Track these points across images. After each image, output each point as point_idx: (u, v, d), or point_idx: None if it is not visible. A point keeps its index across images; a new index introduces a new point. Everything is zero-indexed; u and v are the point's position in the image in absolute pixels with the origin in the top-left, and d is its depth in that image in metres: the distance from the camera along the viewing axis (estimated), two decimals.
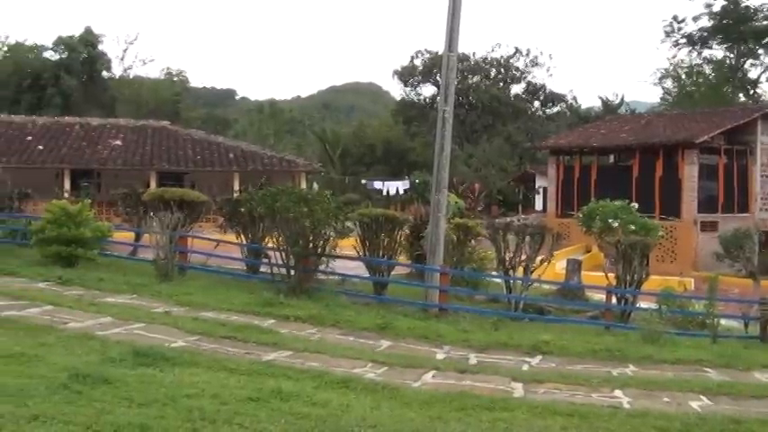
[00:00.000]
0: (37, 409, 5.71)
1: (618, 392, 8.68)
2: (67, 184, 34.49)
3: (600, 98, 70.51)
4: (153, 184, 32.40)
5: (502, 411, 7.20)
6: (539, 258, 16.57)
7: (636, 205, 29.65)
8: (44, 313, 10.75)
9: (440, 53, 56.27)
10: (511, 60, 70.76)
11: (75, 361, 7.66)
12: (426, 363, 9.74)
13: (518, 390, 8.57)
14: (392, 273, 16.66)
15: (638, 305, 15.91)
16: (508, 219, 32.70)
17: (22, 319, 10.16)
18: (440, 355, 10.60)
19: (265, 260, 16.27)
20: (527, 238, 16.42)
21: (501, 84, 70.05)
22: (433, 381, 8.74)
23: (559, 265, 21.14)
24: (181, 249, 16.29)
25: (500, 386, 8.65)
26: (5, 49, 62.80)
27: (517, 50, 70.82)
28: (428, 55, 68.88)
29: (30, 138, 37.41)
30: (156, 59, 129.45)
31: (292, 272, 15.02)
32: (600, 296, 16.92)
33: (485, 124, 64.60)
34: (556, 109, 72.51)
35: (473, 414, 7.03)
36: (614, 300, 15.84)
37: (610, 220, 27.53)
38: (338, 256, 15.88)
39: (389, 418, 6.55)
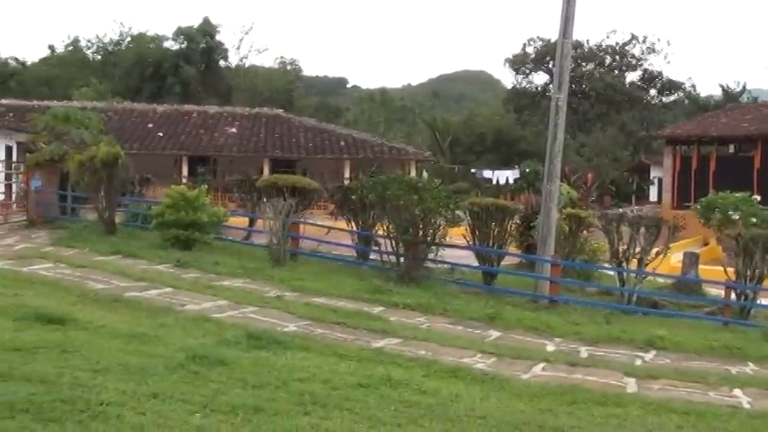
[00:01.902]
0: (156, 387, 5.91)
1: (737, 392, 8.36)
2: (185, 170, 35.61)
3: (720, 86, 67.93)
4: (266, 171, 33.05)
5: (614, 407, 7.04)
6: (654, 251, 16.12)
7: (758, 197, 28.45)
8: (163, 295, 11.17)
9: (553, 40, 55.00)
10: (626, 47, 69.07)
11: (192, 342, 7.92)
12: (536, 355, 9.61)
13: (631, 385, 8.36)
14: (502, 263, 16.53)
15: (758, 302, 15.28)
16: (621, 210, 31.93)
17: (144, 300, 10.58)
18: (550, 348, 10.45)
19: (375, 247, 16.40)
20: (642, 230, 15.98)
21: (616, 71, 68.46)
22: (543, 373, 8.63)
23: (675, 258, 20.49)
24: (293, 235, 16.60)
25: (612, 381, 8.46)
26: (129, 39, 65.15)
27: (633, 37, 69.12)
28: (541, 42, 67.95)
29: (151, 125, 38.80)
30: (271, 49, 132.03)
31: (402, 259, 15.10)
32: (718, 291, 16.31)
33: (598, 113, 63.27)
34: (673, 97, 70.34)
35: (584, 408, 6.91)
36: (733, 295, 15.25)
37: (730, 213, 26.50)
38: (448, 245, 15.85)
39: (499, 410, 6.50)
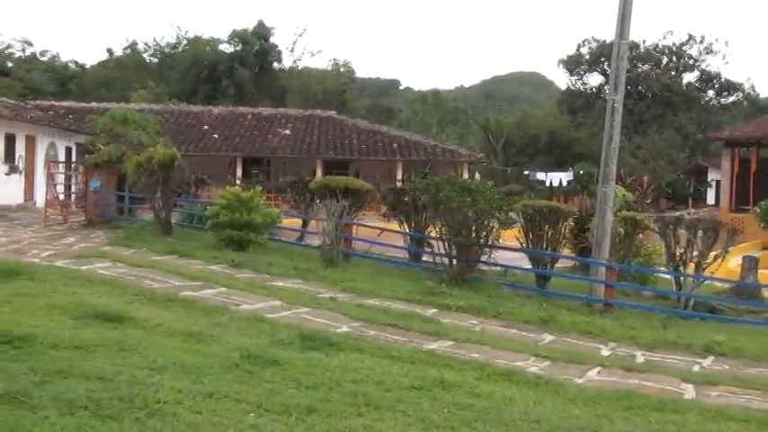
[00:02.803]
0: (212, 386, 5.98)
1: None
2: (239, 172, 36.01)
3: None
4: (319, 172, 33.26)
5: (672, 413, 6.91)
6: (711, 254, 15.81)
7: None
8: (218, 295, 11.30)
9: (608, 41, 54.22)
10: (684, 48, 67.99)
11: (246, 342, 7.97)
12: (591, 359, 9.50)
13: (689, 391, 8.21)
14: (555, 265, 16.38)
15: None
16: (678, 212, 31.42)
17: (199, 299, 10.70)
18: (605, 352, 10.32)
19: (428, 249, 16.37)
20: (699, 233, 15.69)
21: (673, 72, 67.38)
22: (599, 378, 8.52)
23: (733, 262, 20.08)
24: (346, 236, 16.64)
25: (669, 387, 8.31)
26: (185, 42, 66.06)
27: (690, 37, 68.01)
28: (595, 43, 67.27)
29: (206, 127, 39.33)
30: (324, 51, 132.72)
31: (454, 261, 15.04)
32: None
33: (654, 114, 62.34)
34: (732, 98, 69.05)
35: (641, 414, 6.79)
36: None
37: None
38: (500, 247, 15.75)
39: (553, 414, 6.43)
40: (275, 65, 66.10)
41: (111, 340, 7.30)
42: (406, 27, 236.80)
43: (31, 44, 66.62)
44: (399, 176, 35.20)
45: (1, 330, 6.94)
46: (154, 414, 5.08)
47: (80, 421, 4.81)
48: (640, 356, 10.20)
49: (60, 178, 24.96)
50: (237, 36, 63.24)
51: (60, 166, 27.63)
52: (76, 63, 68.68)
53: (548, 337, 10.96)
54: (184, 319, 9.17)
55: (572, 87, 71.14)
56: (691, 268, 15.57)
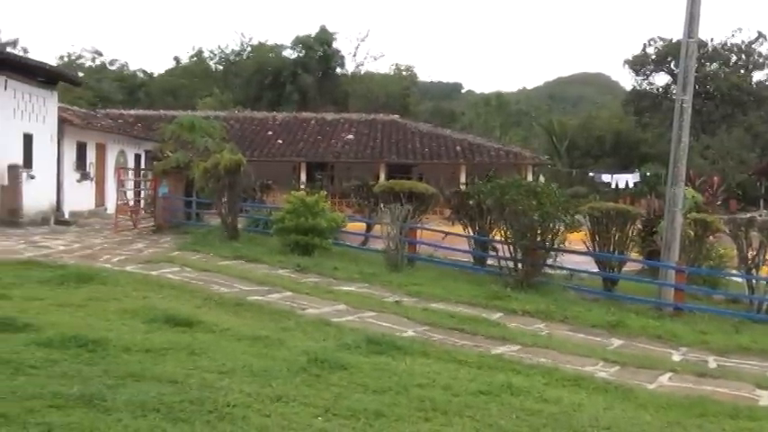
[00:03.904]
0: (280, 390, 6.02)
1: None
2: (304, 176, 36.27)
3: None
4: (382, 176, 33.32)
5: (747, 420, 6.73)
6: None
7: None
8: (284, 299, 11.40)
9: (674, 40, 53.03)
10: (753, 45, 66.36)
11: (313, 346, 8.00)
12: (661, 364, 9.31)
13: (764, 398, 7.99)
14: (623, 269, 16.13)
15: None
16: (749, 214, 30.65)
17: (265, 304, 10.82)
18: (676, 357, 10.11)
19: (492, 253, 16.28)
20: None
21: (742, 71, 65.81)
22: (670, 383, 8.35)
23: None
24: (410, 241, 16.64)
25: (743, 393, 8.11)
26: (249, 49, 66.92)
27: (760, 35, 66.31)
28: (661, 42, 66.06)
29: (270, 132, 39.77)
30: (387, 55, 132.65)
31: (520, 265, 14.93)
32: None
33: (723, 114, 60.95)
34: None
35: (714, 421, 6.63)
36: None
37: None
38: (566, 251, 15.59)
39: (624, 420, 6.32)
40: (338, 70, 66.45)
41: (181, 344, 7.40)
42: (468, 30, 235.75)
43: (100, 54, 68.45)
44: (463, 179, 35.07)
45: (76, 334, 7.10)
46: (224, 417, 5.14)
47: (152, 423, 4.89)
48: (713, 362, 9.98)
49: (130, 185, 25.53)
50: (301, 42, 63.78)
51: (130, 172, 28.24)
52: (144, 72, 70.27)
53: (616, 342, 10.80)
54: (252, 324, 9.27)
55: (638, 88, 69.97)
56: (764, 271, 15.19)
